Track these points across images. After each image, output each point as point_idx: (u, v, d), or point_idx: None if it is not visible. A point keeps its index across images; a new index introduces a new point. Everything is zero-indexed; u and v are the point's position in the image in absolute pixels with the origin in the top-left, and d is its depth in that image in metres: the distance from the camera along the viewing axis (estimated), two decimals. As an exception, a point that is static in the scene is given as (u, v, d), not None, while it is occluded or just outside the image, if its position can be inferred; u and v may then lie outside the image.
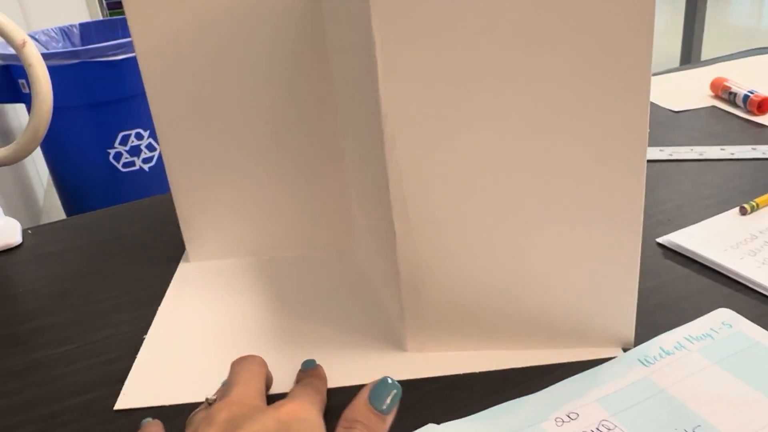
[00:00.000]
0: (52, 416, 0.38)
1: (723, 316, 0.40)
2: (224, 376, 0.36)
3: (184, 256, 0.54)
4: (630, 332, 0.39)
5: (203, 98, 0.47)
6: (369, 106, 0.36)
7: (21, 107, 1.88)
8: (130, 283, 0.52)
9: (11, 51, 1.67)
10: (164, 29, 0.44)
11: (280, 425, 0.30)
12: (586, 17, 0.31)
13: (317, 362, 0.39)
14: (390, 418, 0.30)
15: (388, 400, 0.30)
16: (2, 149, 0.48)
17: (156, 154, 1.72)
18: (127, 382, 0.40)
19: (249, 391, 0.33)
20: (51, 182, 1.89)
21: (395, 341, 0.41)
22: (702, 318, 0.40)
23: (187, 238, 0.53)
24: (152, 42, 0.45)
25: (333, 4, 0.43)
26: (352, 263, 0.51)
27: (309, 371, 0.38)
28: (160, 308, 0.47)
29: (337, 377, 0.38)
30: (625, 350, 0.38)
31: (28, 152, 0.47)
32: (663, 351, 0.38)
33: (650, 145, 0.65)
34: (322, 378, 0.37)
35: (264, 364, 0.37)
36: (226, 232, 0.52)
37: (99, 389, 0.40)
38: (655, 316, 0.41)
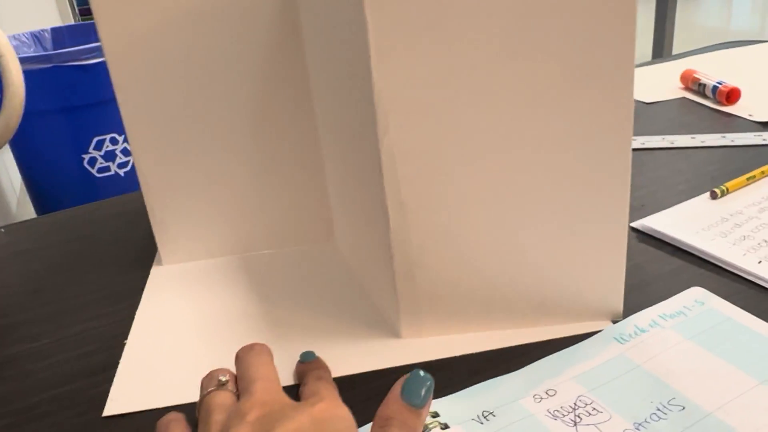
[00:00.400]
0: (28, 409, 0.38)
1: (695, 295, 0.41)
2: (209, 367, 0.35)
3: (156, 259, 0.53)
4: (619, 304, 0.40)
5: (173, 96, 0.47)
6: (358, 93, 0.36)
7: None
8: (104, 279, 0.51)
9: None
10: (132, 28, 0.44)
11: (315, 424, 0.29)
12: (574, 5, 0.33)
13: (315, 353, 0.38)
14: (425, 411, 0.29)
15: (422, 394, 0.29)
16: (-28, 143, 0.47)
17: (131, 158, 1.71)
18: (113, 388, 0.39)
19: (273, 386, 0.32)
20: (23, 188, 1.86)
21: (389, 329, 0.42)
22: (675, 297, 0.41)
23: (160, 241, 0.51)
24: (120, 40, 0.44)
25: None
26: (334, 256, 0.51)
27: (312, 363, 0.37)
28: (138, 310, 0.46)
29: (335, 368, 0.38)
30: (614, 322, 0.39)
31: (4, 141, 0.46)
32: (638, 329, 0.39)
33: (623, 135, 0.66)
34: (328, 370, 0.37)
35: (271, 353, 0.36)
36: (201, 233, 0.51)
37: (74, 382, 0.40)
38: (631, 296, 0.41)
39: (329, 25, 0.40)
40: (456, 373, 0.37)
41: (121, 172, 1.70)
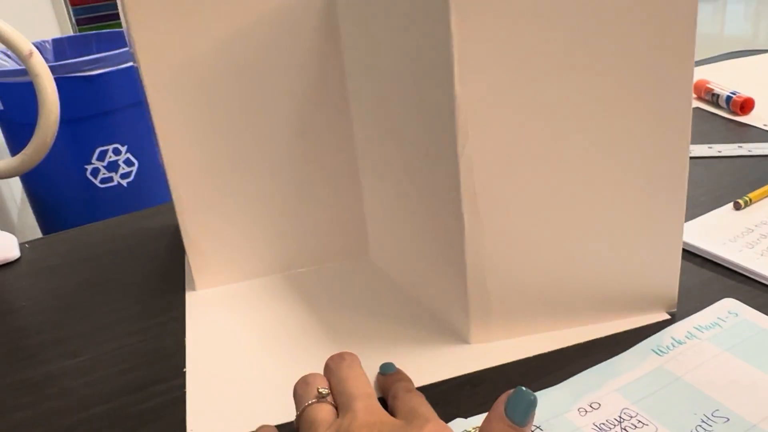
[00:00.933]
0: (71, 428, 0.38)
1: (728, 306, 0.42)
2: (286, 391, 0.35)
3: (188, 284, 0.52)
4: (674, 295, 0.42)
5: (208, 115, 0.46)
6: (432, 106, 0.38)
7: (-6, 124, 1.85)
8: (132, 295, 0.51)
9: (-16, 67, 1.65)
10: (169, 46, 0.44)
11: None
12: (638, 22, 0.35)
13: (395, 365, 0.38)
14: (528, 429, 0.29)
15: (526, 412, 0.29)
16: (8, 160, 0.47)
17: (134, 169, 1.71)
18: (189, 419, 0.38)
19: (374, 404, 0.32)
20: (25, 199, 1.86)
21: (455, 335, 0.42)
22: (708, 308, 0.42)
23: (195, 266, 0.50)
24: (156, 58, 0.44)
25: (357, 13, 0.44)
26: (372, 270, 0.51)
27: (394, 375, 0.37)
28: (186, 339, 0.45)
29: (412, 378, 0.38)
30: (669, 314, 0.42)
31: (34, 163, 0.46)
32: (675, 340, 0.39)
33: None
34: (412, 381, 0.36)
35: (360, 361, 0.36)
36: (236, 255, 0.51)
37: (115, 399, 0.40)
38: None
39: (385, 43, 0.41)
40: (497, 384, 0.37)
41: (124, 182, 1.70)
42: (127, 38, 0.42)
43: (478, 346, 0.41)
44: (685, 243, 0.48)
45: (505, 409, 0.29)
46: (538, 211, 0.39)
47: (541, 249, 0.40)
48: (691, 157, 0.64)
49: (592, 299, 0.41)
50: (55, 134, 0.45)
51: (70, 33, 2.51)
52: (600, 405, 0.35)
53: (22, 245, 0.61)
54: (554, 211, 0.39)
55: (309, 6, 0.44)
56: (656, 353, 0.38)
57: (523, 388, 0.29)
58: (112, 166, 1.67)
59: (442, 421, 0.31)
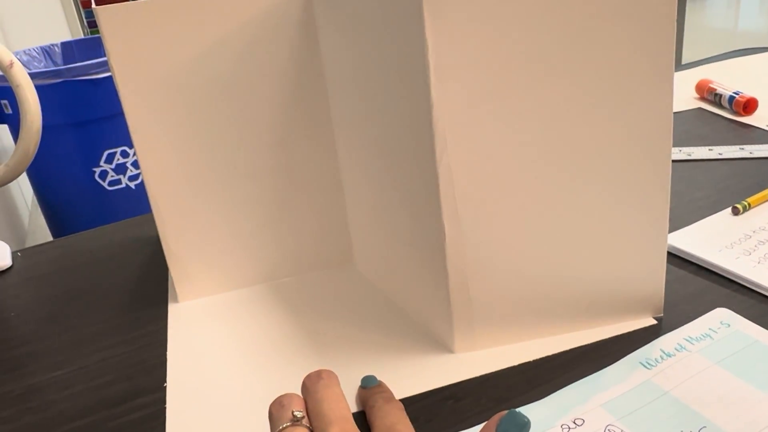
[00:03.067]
0: (50, 442, 0.38)
1: (721, 316, 0.40)
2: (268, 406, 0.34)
3: (171, 295, 0.51)
4: (660, 300, 0.41)
5: (187, 125, 0.46)
6: (410, 113, 0.37)
7: (3, 128, 1.86)
8: (119, 305, 0.51)
9: (-8, 72, 1.66)
10: (145, 54, 0.43)
11: None
12: (617, 26, 0.35)
13: (377, 378, 0.37)
14: None
15: None
16: (-9, 171, 0.47)
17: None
18: None
19: (350, 427, 0.31)
20: (36, 203, 1.87)
21: (439, 345, 0.42)
22: (700, 318, 0.40)
23: (177, 278, 0.49)
24: (132, 67, 0.43)
25: (335, 20, 0.43)
26: (357, 278, 0.51)
27: (376, 388, 0.36)
28: (168, 353, 0.44)
29: (395, 390, 0.37)
30: (656, 319, 0.41)
31: (18, 173, 0.46)
32: (664, 353, 0.38)
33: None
34: (392, 394, 0.36)
35: (338, 380, 0.35)
36: (219, 266, 0.50)
37: (95, 413, 0.40)
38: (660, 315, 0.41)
39: (362, 50, 0.40)
40: (479, 399, 0.37)
41: (132, 184, 1.71)
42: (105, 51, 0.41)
43: (462, 355, 0.40)
44: (679, 250, 0.47)
45: (497, 431, 0.28)
46: (519, 217, 0.38)
47: (524, 255, 0.39)
48: (690, 160, 0.62)
49: (577, 305, 0.41)
50: (38, 144, 0.44)
51: (81, 36, 2.52)
52: (584, 421, 0.34)
53: (14, 254, 0.61)
54: (536, 217, 0.38)
55: (287, 14, 0.44)
56: (644, 366, 0.37)
57: (516, 411, 0.28)
58: (120, 169, 1.68)
59: None
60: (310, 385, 0.34)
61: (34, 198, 1.85)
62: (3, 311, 0.53)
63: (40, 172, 1.71)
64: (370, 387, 0.37)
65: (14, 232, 1.82)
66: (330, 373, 0.35)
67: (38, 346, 0.47)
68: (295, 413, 0.32)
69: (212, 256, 0.49)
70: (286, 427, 0.32)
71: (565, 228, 0.39)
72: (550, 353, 0.40)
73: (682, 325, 0.40)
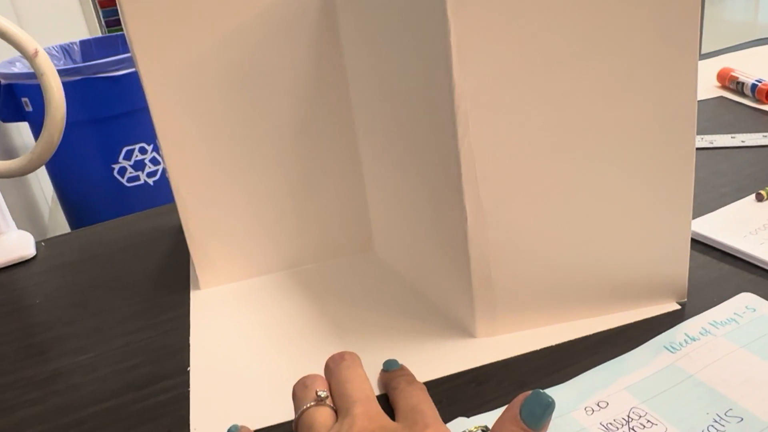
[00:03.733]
0: (77, 424, 0.38)
1: (746, 301, 0.40)
2: (291, 389, 0.35)
3: (193, 283, 0.51)
4: (684, 285, 0.41)
5: (209, 113, 0.46)
6: (432, 95, 0.37)
7: (24, 125, 1.89)
8: (142, 291, 0.52)
9: (14, 70, 1.68)
10: (167, 43, 0.43)
11: None
12: (641, 10, 0.35)
13: (398, 361, 0.37)
14: None
15: (541, 416, 0.27)
16: (17, 159, 0.48)
17: (160, 168, 1.73)
18: (192, 417, 0.37)
19: (373, 408, 0.31)
20: (56, 199, 1.89)
21: (461, 330, 0.42)
22: (725, 303, 0.40)
23: (199, 265, 0.50)
24: (154, 56, 0.44)
25: (355, 6, 0.43)
26: (378, 265, 0.51)
27: (397, 372, 0.36)
28: (191, 339, 0.45)
29: (417, 374, 0.37)
30: (680, 304, 0.41)
31: (42, 162, 0.47)
32: (688, 337, 0.38)
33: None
34: (414, 377, 0.36)
35: (361, 362, 0.35)
36: (241, 253, 0.50)
37: (121, 396, 0.40)
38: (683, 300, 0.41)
39: (383, 35, 0.40)
40: (502, 382, 0.37)
41: (150, 181, 1.72)
42: (127, 41, 0.42)
43: (484, 340, 0.40)
44: (703, 236, 0.47)
45: (521, 412, 0.27)
46: (542, 200, 0.38)
47: (547, 239, 0.39)
48: (713, 148, 0.62)
49: (600, 289, 0.40)
50: (62, 132, 0.45)
51: (99, 34, 2.55)
52: (608, 404, 0.34)
53: (38, 243, 0.62)
54: (559, 200, 0.38)
55: (308, 1, 0.44)
56: (668, 350, 0.37)
57: (541, 391, 0.28)
58: (139, 165, 1.69)
59: (443, 424, 0.31)
60: (333, 366, 0.35)
61: (54, 194, 1.87)
62: (28, 298, 0.53)
63: (59, 167, 1.73)
64: (392, 370, 0.37)
65: (35, 226, 1.84)
66: (353, 354, 0.36)
67: (63, 331, 0.48)
68: (319, 393, 0.32)
69: (234, 243, 0.49)
70: (310, 406, 0.32)
71: (589, 212, 0.38)
72: (572, 338, 0.39)
73: (707, 309, 0.40)
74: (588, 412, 0.34)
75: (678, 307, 0.41)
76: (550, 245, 0.39)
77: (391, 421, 0.31)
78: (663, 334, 0.38)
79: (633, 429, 0.32)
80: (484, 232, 0.38)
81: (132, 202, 1.71)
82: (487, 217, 0.38)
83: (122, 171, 1.68)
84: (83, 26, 2.41)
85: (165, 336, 0.45)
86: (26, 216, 1.81)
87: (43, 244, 0.62)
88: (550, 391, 0.35)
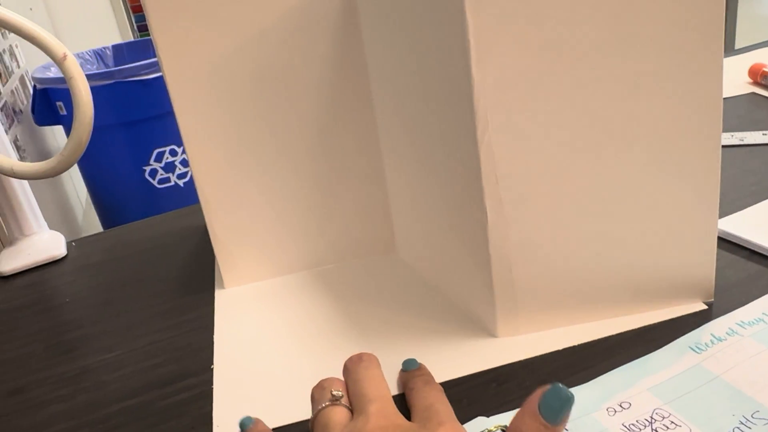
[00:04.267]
0: (103, 420, 0.39)
1: (776, 301, 0.39)
2: (311, 387, 0.35)
3: (217, 281, 0.52)
4: (710, 284, 0.40)
5: (232, 114, 0.46)
6: (451, 93, 0.37)
7: (59, 129, 1.93)
8: (167, 291, 0.52)
9: (49, 75, 1.72)
10: (190, 44, 0.44)
11: None
12: (664, 4, 0.34)
13: (417, 360, 0.37)
14: (562, 428, 0.27)
15: (561, 412, 0.27)
16: (47, 161, 0.49)
17: (190, 169, 1.74)
18: (215, 413, 0.38)
19: (388, 407, 0.32)
20: (89, 200, 1.93)
21: (483, 329, 0.41)
22: (753, 303, 0.39)
23: (223, 264, 0.50)
24: (178, 57, 0.44)
25: (376, 5, 0.43)
26: (400, 266, 0.51)
27: (416, 371, 0.36)
28: (215, 337, 0.45)
29: (437, 373, 0.37)
30: (706, 304, 0.40)
31: (71, 163, 0.48)
32: (715, 337, 0.37)
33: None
34: (432, 376, 0.36)
35: (379, 363, 0.35)
36: (264, 253, 0.51)
37: (145, 393, 0.41)
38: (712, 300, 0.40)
39: (403, 33, 0.41)
40: (523, 381, 0.36)
41: (181, 182, 1.75)
42: (152, 42, 0.42)
43: (505, 340, 0.40)
44: (731, 235, 0.46)
45: (539, 406, 0.27)
46: (564, 199, 0.37)
47: (569, 239, 0.38)
48: (743, 145, 0.60)
49: (624, 289, 0.40)
50: (90, 134, 0.46)
51: (131, 39, 2.59)
52: (630, 404, 0.34)
53: (69, 243, 0.63)
54: (581, 199, 0.37)
55: (329, 2, 0.44)
56: (694, 350, 0.36)
57: (560, 385, 0.27)
58: (169, 167, 1.72)
59: (457, 423, 0.31)
60: (351, 366, 0.35)
61: (88, 196, 1.91)
62: (58, 297, 0.54)
63: (92, 170, 1.76)
64: (410, 370, 0.37)
65: (69, 228, 1.88)
66: (370, 355, 0.36)
67: (91, 330, 0.49)
68: (334, 393, 0.33)
69: (257, 243, 0.50)
70: (326, 406, 0.32)
71: (612, 210, 0.38)
72: (595, 338, 0.39)
73: (734, 309, 0.39)
74: (610, 413, 0.33)
75: (705, 307, 0.40)
76: (572, 244, 0.38)
77: (405, 420, 0.31)
78: (688, 334, 0.38)
79: (656, 430, 0.32)
80: (505, 230, 0.38)
81: (163, 203, 1.74)
82: (507, 215, 0.37)
83: (153, 173, 1.71)
84: (116, 31, 2.46)
85: (189, 335, 0.46)
86: (60, 217, 1.85)
87: (73, 244, 0.63)
88: (573, 391, 0.35)
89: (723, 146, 0.60)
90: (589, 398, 0.34)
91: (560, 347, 0.39)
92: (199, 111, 0.45)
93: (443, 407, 0.32)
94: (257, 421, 0.34)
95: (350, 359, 0.35)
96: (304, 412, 0.36)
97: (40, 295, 0.55)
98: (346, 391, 0.34)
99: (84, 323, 0.50)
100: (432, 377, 0.36)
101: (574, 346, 0.39)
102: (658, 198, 0.38)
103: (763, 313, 0.38)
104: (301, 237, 0.50)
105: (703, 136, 0.37)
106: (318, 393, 0.34)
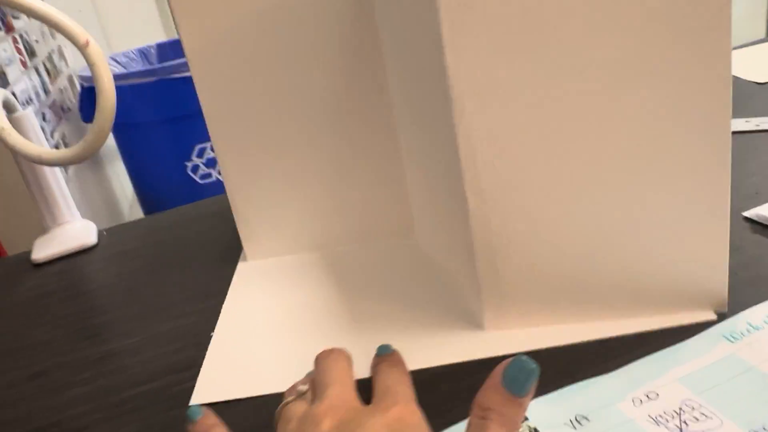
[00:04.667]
0: (121, 404, 0.39)
1: (821, 289, 0.37)
2: (299, 366, 0.35)
3: (242, 255, 0.53)
4: (723, 291, 0.36)
5: (253, 96, 0.47)
6: (433, 77, 0.35)
7: (105, 126, 1.97)
8: (194, 277, 0.52)
9: (94, 73, 1.76)
10: (212, 33, 0.44)
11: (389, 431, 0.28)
12: None
13: (393, 346, 0.36)
14: (527, 401, 0.26)
15: (525, 383, 0.26)
16: (72, 148, 0.50)
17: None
18: (199, 378, 0.39)
19: (347, 391, 0.31)
20: (135, 196, 1.97)
21: (472, 320, 0.40)
22: (795, 291, 0.37)
23: (244, 237, 0.52)
24: (201, 47, 0.45)
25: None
26: (415, 251, 0.50)
27: (388, 356, 0.35)
28: (224, 305, 0.47)
29: (416, 359, 0.36)
30: (718, 314, 0.36)
31: (95, 149, 0.48)
32: (751, 326, 0.35)
33: (735, 116, 0.60)
34: (404, 364, 0.35)
35: (350, 357, 0.35)
36: (283, 230, 0.51)
37: (164, 378, 0.41)
38: (743, 292, 0.37)
39: (403, 15, 0.39)
40: (544, 371, 0.35)
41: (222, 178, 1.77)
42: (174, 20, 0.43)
43: (492, 333, 0.38)
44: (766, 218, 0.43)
45: (503, 379, 0.26)
46: (551, 192, 0.35)
47: (558, 233, 0.36)
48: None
49: (622, 291, 0.37)
50: (113, 120, 0.46)
51: (176, 36, 2.64)
52: (658, 395, 0.32)
53: (100, 232, 0.64)
54: (570, 192, 0.35)
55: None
56: (728, 340, 0.34)
57: (524, 357, 0.26)
58: (211, 163, 1.74)
59: (413, 404, 0.30)
60: (319, 359, 0.34)
61: (134, 192, 1.95)
62: (86, 284, 0.55)
63: (137, 166, 1.80)
64: (382, 355, 0.36)
65: (114, 222, 1.93)
66: (341, 350, 0.35)
67: (115, 315, 0.49)
68: (299, 388, 0.33)
69: (276, 217, 0.50)
70: (290, 401, 0.32)
71: (605, 207, 0.35)
72: (587, 339, 0.36)
73: (774, 297, 0.36)
74: (635, 404, 0.31)
75: (714, 317, 0.36)
76: (562, 238, 0.36)
77: (362, 403, 0.31)
78: (723, 323, 0.35)
79: (685, 422, 0.30)
80: (488, 221, 0.36)
81: (204, 198, 1.76)
82: (489, 205, 0.35)
83: (195, 168, 1.73)
84: (160, 29, 2.51)
85: (210, 320, 0.46)
86: (107, 211, 1.90)
87: (104, 232, 0.64)
88: (595, 380, 0.33)
89: (757, 131, 0.57)
90: (612, 388, 0.33)
91: (551, 345, 0.36)
92: (220, 92, 0.46)
93: (402, 388, 0.31)
94: (207, 414, 0.32)
95: (321, 353, 0.35)
96: (282, 385, 0.35)
97: (68, 281, 0.56)
98: (313, 386, 0.33)
99: (109, 309, 0.50)
100: (401, 361, 0.35)
101: (565, 346, 0.36)
102: (657, 194, 0.34)
103: (805, 301, 0.36)
104: (319, 216, 0.50)
105: (711, 123, 0.32)
106: (288, 392, 0.34)
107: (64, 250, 0.60)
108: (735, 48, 0.80)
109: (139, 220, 0.67)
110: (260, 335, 0.43)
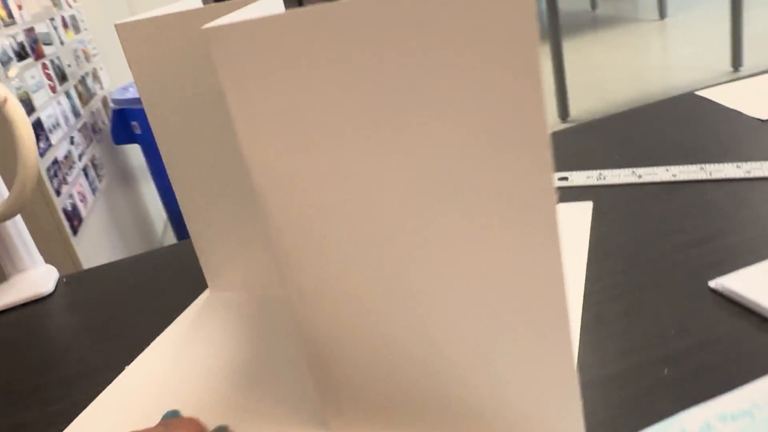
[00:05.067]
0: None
1: (775, 386, 0.31)
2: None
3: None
4: (578, 428, 0.30)
5: (204, 138, 0.46)
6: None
7: (135, 147, 2.01)
8: (145, 331, 0.50)
9: (126, 96, 1.79)
10: (160, 67, 0.43)
11: None
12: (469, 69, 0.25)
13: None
14: None
15: None
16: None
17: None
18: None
19: None
20: (167, 222, 2.00)
21: (318, 421, 0.36)
22: (744, 388, 0.32)
23: (204, 267, 0.52)
24: (154, 84, 0.44)
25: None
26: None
27: (176, 422, 0.33)
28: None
29: None
30: None
31: (20, 207, 0.47)
32: (682, 435, 0.30)
33: (727, 160, 0.55)
34: (195, 423, 0.33)
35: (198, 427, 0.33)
36: (236, 265, 0.51)
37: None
38: (698, 381, 0.33)
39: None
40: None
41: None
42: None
43: None
44: (739, 296, 0.38)
45: None
46: (367, 297, 0.31)
47: (379, 340, 0.32)
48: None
49: (460, 410, 0.32)
50: (36, 179, 0.45)
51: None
52: None
53: (60, 279, 0.62)
54: (388, 297, 0.31)
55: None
56: (649, 452, 0.30)
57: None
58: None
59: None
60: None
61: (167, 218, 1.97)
62: (32, 338, 0.54)
63: (167, 189, 1.82)
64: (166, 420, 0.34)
65: (148, 242, 1.96)
66: (191, 421, 0.33)
67: (48, 377, 0.47)
68: None
69: (230, 254, 0.50)
70: None
71: (428, 317, 0.30)
72: None
73: (734, 390, 0.32)
74: None
75: None
76: (384, 347, 0.32)
77: None
78: (653, 427, 0.31)
79: None
80: (312, 320, 0.33)
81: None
82: (309, 305, 0.32)
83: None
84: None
85: (127, 390, 0.43)
86: (141, 232, 1.93)
87: (64, 280, 0.63)
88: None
89: (761, 178, 0.51)
90: None
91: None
92: (174, 130, 0.46)
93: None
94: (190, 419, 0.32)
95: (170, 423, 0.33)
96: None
97: (15, 334, 0.55)
98: None
99: (63, 362, 0.49)
100: (183, 426, 0.32)
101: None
102: (485, 309, 0.29)
103: (752, 403, 0.31)
104: (265, 257, 0.49)
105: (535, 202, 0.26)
106: None
107: (19, 299, 0.59)
108: (743, 78, 0.73)
109: (97, 268, 0.65)
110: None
